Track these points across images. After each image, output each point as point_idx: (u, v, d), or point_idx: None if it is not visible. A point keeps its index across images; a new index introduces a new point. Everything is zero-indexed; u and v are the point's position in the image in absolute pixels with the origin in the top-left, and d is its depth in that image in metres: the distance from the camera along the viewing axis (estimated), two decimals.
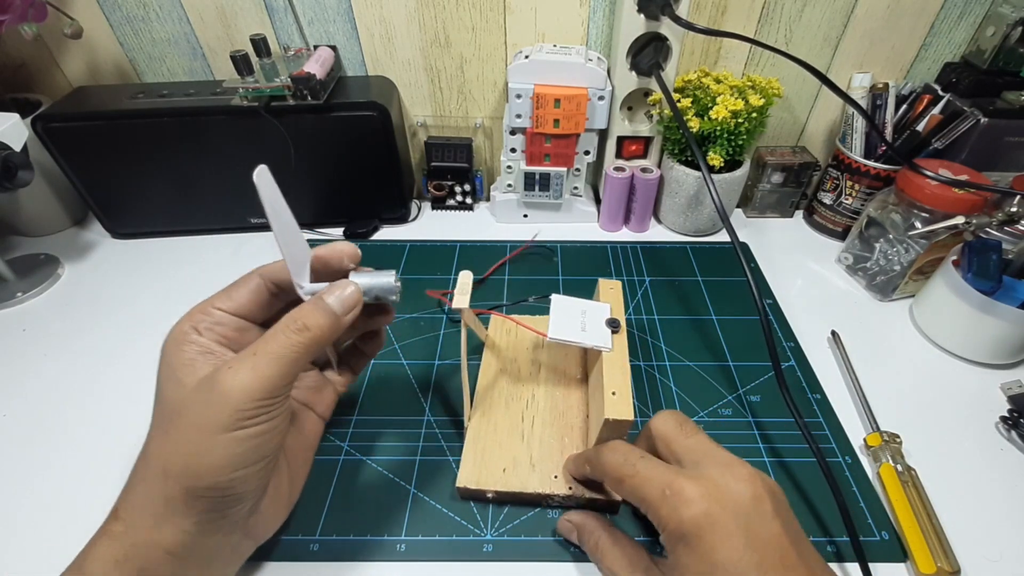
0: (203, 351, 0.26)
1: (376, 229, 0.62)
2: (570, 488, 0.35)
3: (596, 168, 0.64)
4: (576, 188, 0.61)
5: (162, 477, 0.24)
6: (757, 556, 0.22)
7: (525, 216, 0.63)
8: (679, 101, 0.53)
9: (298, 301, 0.27)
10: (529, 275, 0.55)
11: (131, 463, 0.39)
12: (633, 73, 0.54)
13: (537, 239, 0.60)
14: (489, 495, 0.36)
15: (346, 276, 0.29)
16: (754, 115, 0.52)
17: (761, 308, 0.41)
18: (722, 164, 0.54)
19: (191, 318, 0.28)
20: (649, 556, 0.29)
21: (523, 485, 0.35)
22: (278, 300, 0.29)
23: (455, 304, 0.35)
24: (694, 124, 0.52)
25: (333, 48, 0.57)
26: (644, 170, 0.59)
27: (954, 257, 0.47)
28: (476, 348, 0.45)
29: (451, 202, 0.65)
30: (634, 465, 0.27)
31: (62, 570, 0.25)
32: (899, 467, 0.37)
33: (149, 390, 0.44)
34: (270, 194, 0.26)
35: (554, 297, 0.39)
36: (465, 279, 0.37)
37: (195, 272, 0.56)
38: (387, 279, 0.28)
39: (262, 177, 0.25)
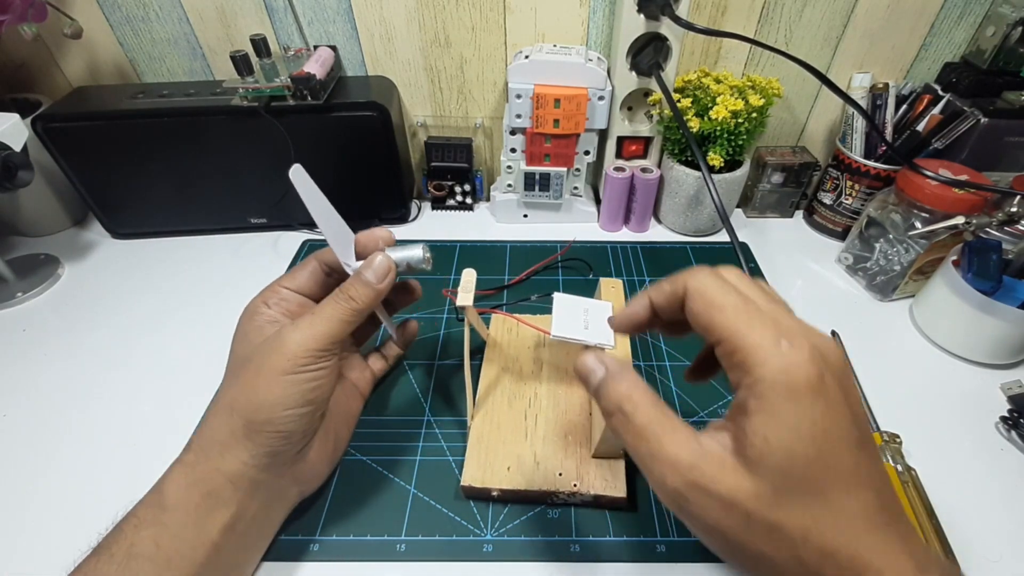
0: (270, 320, 0.32)
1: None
2: (575, 485, 0.35)
3: (596, 168, 0.64)
4: (576, 188, 0.61)
5: (228, 412, 0.29)
6: (857, 431, 0.21)
7: (525, 216, 0.63)
8: (679, 101, 0.53)
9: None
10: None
11: (132, 461, 0.39)
12: (633, 73, 0.54)
13: (575, 241, 0.59)
14: (494, 493, 0.36)
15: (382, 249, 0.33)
16: (754, 115, 0.52)
17: None
18: (722, 164, 0.54)
19: (263, 295, 0.33)
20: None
21: (528, 483, 0.36)
22: (331, 279, 0.34)
23: (459, 302, 0.35)
24: (694, 124, 0.52)
25: (333, 48, 0.57)
26: (644, 170, 0.59)
27: (954, 257, 0.47)
28: (478, 347, 0.46)
29: (451, 202, 0.65)
30: (740, 295, 0.23)
31: (72, 559, 0.27)
32: (899, 467, 0.37)
33: (149, 389, 0.45)
34: (308, 190, 0.30)
35: (556, 296, 0.39)
36: (468, 277, 0.37)
37: (195, 272, 0.56)
38: (415, 251, 0.33)
39: (298, 175, 0.29)
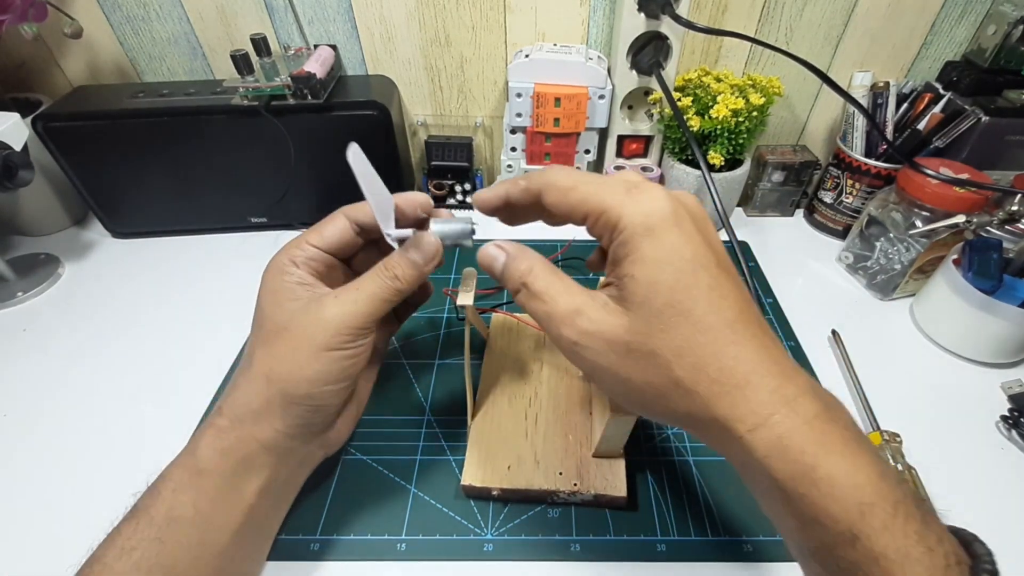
0: (300, 282, 0.30)
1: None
2: (575, 484, 0.35)
3: (596, 167, 0.64)
4: None
5: (265, 381, 0.29)
6: (714, 256, 0.23)
7: None
8: (679, 100, 0.53)
9: (378, 240, 0.32)
10: None
11: (133, 460, 0.39)
12: (633, 72, 0.54)
13: (575, 240, 0.58)
14: (494, 492, 0.36)
15: (426, 223, 0.32)
16: (755, 114, 0.52)
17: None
18: (723, 163, 0.54)
19: (289, 252, 0.31)
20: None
21: (528, 482, 0.36)
22: (359, 239, 0.33)
23: (460, 301, 0.35)
24: (694, 123, 0.52)
25: (333, 47, 0.57)
26: (644, 169, 0.59)
27: (955, 256, 0.47)
28: (478, 346, 0.46)
29: (451, 201, 0.65)
30: (590, 175, 0.25)
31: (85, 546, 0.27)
32: (899, 466, 0.37)
33: (150, 388, 0.45)
34: (362, 167, 0.28)
35: None
36: (469, 276, 0.37)
37: (195, 271, 0.56)
38: (462, 227, 0.31)
39: (354, 154, 0.28)
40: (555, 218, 0.27)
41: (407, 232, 0.31)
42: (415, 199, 0.32)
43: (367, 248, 0.34)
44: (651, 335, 0.22)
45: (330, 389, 0.29)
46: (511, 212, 0.29)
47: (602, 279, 0.25)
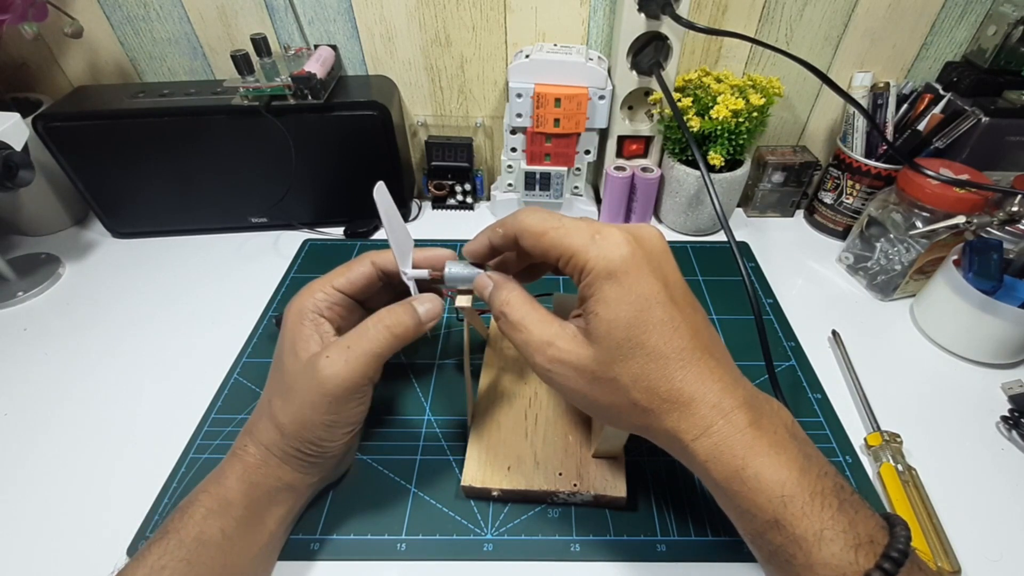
0: (317, 330, 0.32)
1: (376, 229, 0.62)
2: (575, 485, 0.35)
3: (597, 167, 0.64)
4: (576, 188, 0.61)
5: (280, 433, 0.31)
6: (669, 292, 0.26)
7: None
8: (679, 100, 0.53)
9: (395, 284, 0.34)
10: None
11: (133, 460, 0.39)
12: (634, 72, 0.54)
13: None
14: (494, 493, 0.36)
15: (442, 265, 0.33)
16: (755, 114, 0.52)
17: (756, 308, 0.41)
18: (723, 163, 0.54)
19: (313, 296, 0.33)
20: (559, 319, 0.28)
21: (528, 483, 0.36)
22: (380, 283, 0.35)
23: (458, 303, 0.35)
24: (695, 123, 0.52)
25: (333, 47, 0.57)
26: (645, 169, 0.59)
27: (955, 257, 0.47)
28: (478, 347, 0.46)
29: (451, 201, 0.65)
30: (559, 219, 0.28)
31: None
32: (900, 467, 0.37)
33: (150, 388, 0.45)
34: (386, 204, 0.31)
35: (556, 296, 0.39)
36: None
37: (196, 271, 0.56)
38: (475, 272, 0.32)
39: (380, 192, 0.31)
40: (534, 258, 0.30)
41: (423, 272, 0.33)
42: (442, 255, 0.34)
43: (382, 289, 0.36)
44: (612, 364, 0.26)
45: (339, 444, 0.32)
46: (503, 259, 0.32)
47: (574, 310, 0.28)
